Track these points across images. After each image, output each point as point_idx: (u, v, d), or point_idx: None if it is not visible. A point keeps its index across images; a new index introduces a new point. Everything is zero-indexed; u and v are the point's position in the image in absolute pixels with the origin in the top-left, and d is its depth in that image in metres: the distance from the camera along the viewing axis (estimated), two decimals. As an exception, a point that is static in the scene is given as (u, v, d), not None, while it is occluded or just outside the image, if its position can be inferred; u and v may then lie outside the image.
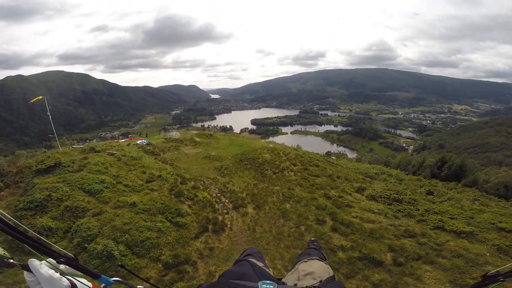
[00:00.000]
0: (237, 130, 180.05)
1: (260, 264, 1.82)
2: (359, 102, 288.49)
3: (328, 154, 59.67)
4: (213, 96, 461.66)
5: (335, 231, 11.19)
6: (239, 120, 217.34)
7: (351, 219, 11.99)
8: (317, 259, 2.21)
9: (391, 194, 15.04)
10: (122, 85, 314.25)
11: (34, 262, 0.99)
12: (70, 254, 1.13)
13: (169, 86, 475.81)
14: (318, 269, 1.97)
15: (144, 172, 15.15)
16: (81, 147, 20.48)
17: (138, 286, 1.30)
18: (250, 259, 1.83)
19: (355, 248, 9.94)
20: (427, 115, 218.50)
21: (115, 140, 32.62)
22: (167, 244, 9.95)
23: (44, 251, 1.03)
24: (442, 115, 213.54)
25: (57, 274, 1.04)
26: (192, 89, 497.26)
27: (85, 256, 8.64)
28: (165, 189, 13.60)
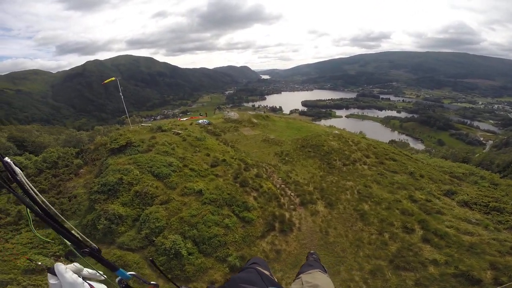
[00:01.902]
0: (286, 111, 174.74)
1: (266, 272, 1.81)
2: (429, 87, 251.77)
3: (393, 143, 52.97)
4: (264, 76, 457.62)
5: (426, 242, 9.66)
6: (289, 101, 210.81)
7: (445, 229, 10.23)
8: (319, 271, 2.15)
9: (489, 202, 12.69)
10: (182, 67, 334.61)
11: (60, 267, 1.00)
12: (94, 245, 1.09)
13: (223, 67, 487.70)
14: (322, 282, 1.93)
15: (208, 155, 14.46)
16: (149, 125, 21.23)
17: (151, 282, 1.23)
18: (257, 267, 1.82)
19: (450, 263, 8.50)
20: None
21: (178, 119, 33.91)
22: (233, 243, 8.90)
23: (72, 240, 1.01)
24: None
25: (80, 279, 1.04)
26: (244, 70, 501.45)
27: (152, 251, 8.10)
28: (229, 175, 12.61)
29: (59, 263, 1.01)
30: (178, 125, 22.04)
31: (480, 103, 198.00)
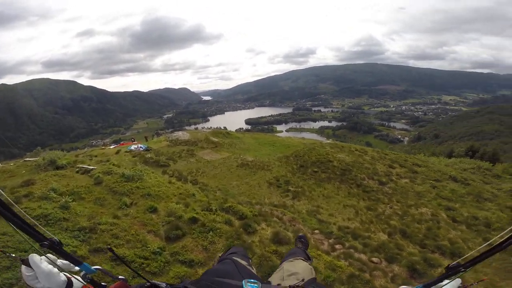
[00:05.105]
0: (232, 130, 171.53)
1: (244, 263, 1.77)
2: (351, 97, 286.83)
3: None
4: (205, 98, 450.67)
5: None
6: (233, 120, 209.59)
7: None
8: (301, 259, 2.14)
9: None
10: (111, 91, 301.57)
11: (34, 257, 0.97)
12: (55, 238, 1.04)
13: (160, 90, 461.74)
14: (302, 269, 1.92)
15: (154, 210, 6.70)
16: (36, 160, 12.23)
17: (120, 276, 1.14)
18: (234, 258, 1.77)
19: None
20: (418, 106, 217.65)
21: (101, 147, 23.82)
22: None
23: (29, 232, 0.96)
24: (433, 106, 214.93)
25: (55, 270, 1.02)
26: (183, 92, 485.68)
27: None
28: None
29: (34, 254, 0.97)
30: (96, 156, 13.42)
31: (391, 106, 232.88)
